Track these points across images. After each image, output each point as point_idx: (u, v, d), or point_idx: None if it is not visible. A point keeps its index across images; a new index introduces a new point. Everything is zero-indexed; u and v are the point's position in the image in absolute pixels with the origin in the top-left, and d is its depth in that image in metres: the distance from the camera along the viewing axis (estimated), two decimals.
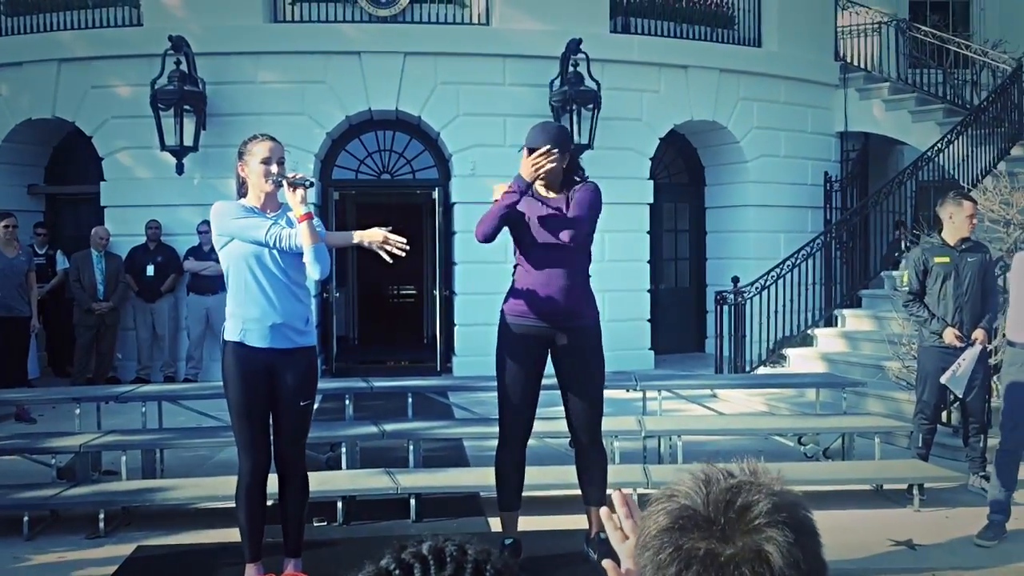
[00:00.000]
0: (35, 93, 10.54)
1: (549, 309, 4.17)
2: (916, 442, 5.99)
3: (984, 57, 12.27)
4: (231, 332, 3.99)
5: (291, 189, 3.79)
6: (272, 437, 4.06)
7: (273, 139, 4.01)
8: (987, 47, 12.62)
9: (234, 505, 4.12)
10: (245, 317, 3.93)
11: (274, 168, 3.91)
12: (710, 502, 1.01)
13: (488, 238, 4.16)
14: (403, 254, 4.01)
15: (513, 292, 4.28)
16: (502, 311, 4.31)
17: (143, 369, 10.24)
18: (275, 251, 3.88)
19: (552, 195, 4.23)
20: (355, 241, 4.14)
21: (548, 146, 4.06)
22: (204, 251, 9.73)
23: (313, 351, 4.12)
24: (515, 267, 4.31)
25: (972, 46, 12.60)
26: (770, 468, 1.07)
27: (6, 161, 10.88)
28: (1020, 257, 5.01)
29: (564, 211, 4.16)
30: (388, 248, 4.03)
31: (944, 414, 6.66)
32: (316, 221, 3.91)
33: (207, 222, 9.34)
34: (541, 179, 4.16)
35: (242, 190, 4.06)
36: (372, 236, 4.06)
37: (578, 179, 4.29)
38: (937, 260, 5.87)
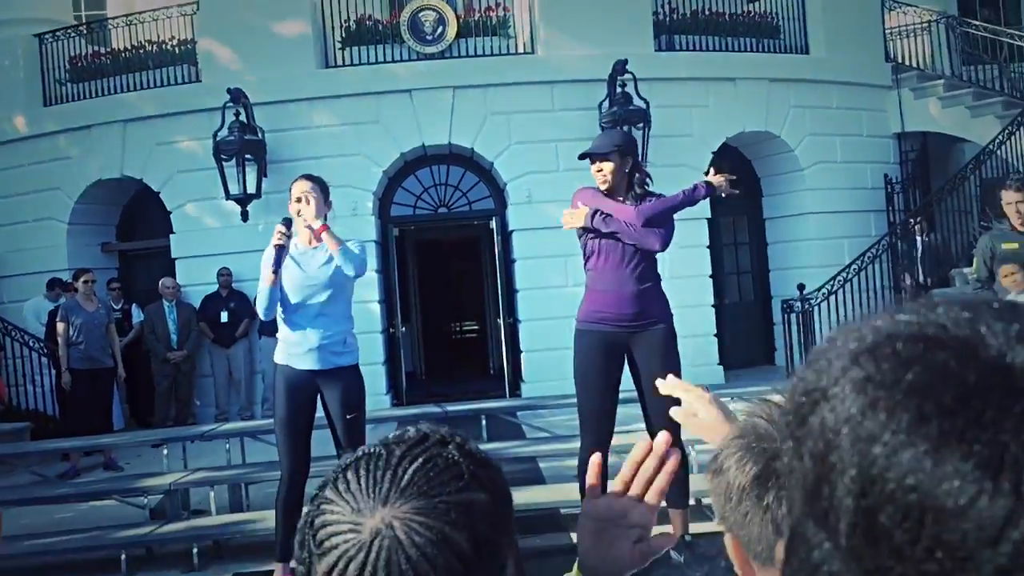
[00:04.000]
0: (103, 155, 10.96)
1: (623, 313, 4.22)
2: None
3: None
4: (278, 355, 4.51)
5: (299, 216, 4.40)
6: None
7: (304, 178, 4.57)
8: None
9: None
10: (288, 342, 4.45)
11: (297, 206, 4.42)
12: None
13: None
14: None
15: (586, 300, 4.34)
16: (577, 320, 4.37)
17: (221, 414, 10.47)
18: (311, 285, 4.38)
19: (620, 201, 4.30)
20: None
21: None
22: None
23: (353, 370, 4.54)
24: (587, 274, 4.37)
25: None
26: None
27: (79, 222, 11.29)
28: None
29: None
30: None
31: None
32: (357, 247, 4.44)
33: None
34: (609, 187, 4.25)
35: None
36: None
37: (641, 190, 4.35)
38: (1005, 246, 5.78)
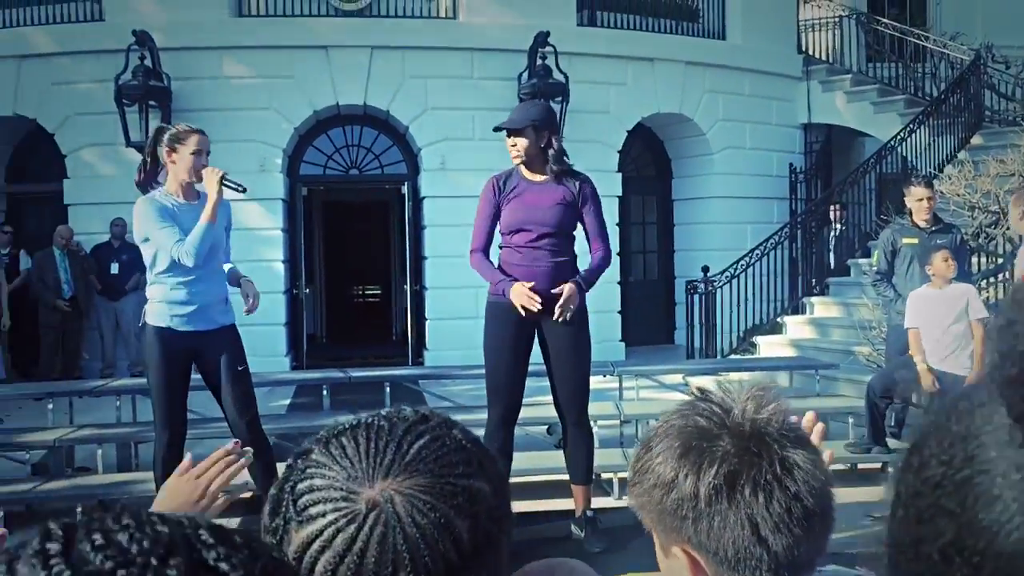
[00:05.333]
0: None
1: (536, 288, 4.18)
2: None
3: (943, 49, 12.47)
4: (156, 318, 4.23)
5: (220, 186, 4.11)
6: (225, 417, 4.42)
7: (203, 133, 4.31)
8: (945, 39, 12.84)
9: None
10: (172, 302, 4.21)
11: (205, 161, 4.22)
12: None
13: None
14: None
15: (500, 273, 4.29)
16: (489, 293, 4.32)
17: (107, 368, 10.08)
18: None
19: (538, 177, 4.25)
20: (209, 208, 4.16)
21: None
22: None
23: (233, 328, 4.42)
24: (500, 248, 4.32)
25: (931, 37, 12.82)
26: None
27: None
28: None
29: (553, 196, 4.19)
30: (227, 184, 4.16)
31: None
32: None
33: None
34: (523, 162, 4.21)
35: (152, 170, 4.36)
36: (208, 181, 4.16)
37: (559, 166, 4.27)
38: (906, 241, 5.97)
